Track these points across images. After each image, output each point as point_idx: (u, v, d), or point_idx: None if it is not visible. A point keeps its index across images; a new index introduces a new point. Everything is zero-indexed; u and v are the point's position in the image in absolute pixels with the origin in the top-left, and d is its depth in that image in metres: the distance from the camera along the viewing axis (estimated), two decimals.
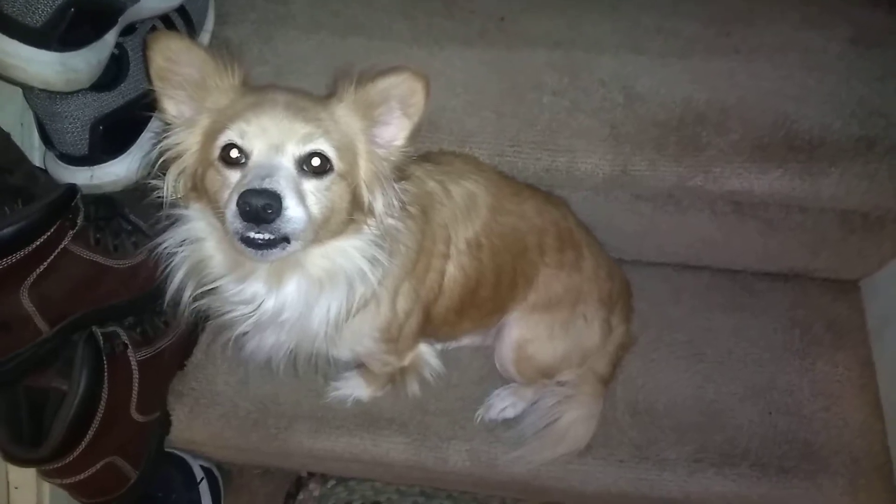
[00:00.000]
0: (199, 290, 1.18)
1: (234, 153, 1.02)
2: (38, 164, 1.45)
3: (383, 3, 1.68)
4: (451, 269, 1.33)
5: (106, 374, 1.37)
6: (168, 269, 1.20)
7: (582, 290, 1.48)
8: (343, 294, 1.14)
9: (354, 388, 1.59)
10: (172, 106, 1.09)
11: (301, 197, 1.00)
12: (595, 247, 1.53)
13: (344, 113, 1.08)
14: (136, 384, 1.45)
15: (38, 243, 1.21)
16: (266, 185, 0.96)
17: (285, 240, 1.00)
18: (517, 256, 1.41)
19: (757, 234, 1.63)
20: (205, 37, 1.62)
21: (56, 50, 1.14)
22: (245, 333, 1.24)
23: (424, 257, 1.27)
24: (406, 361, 1.50)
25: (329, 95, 1.10)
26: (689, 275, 1.78)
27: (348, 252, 1.12)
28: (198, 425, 1.62)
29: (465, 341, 1.62)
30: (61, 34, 1.13)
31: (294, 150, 1.02)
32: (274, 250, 1.01)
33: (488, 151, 1.50)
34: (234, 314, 1.19)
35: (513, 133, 1.50)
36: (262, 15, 1.67)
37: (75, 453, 1.36)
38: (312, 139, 1.02)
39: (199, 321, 1.51)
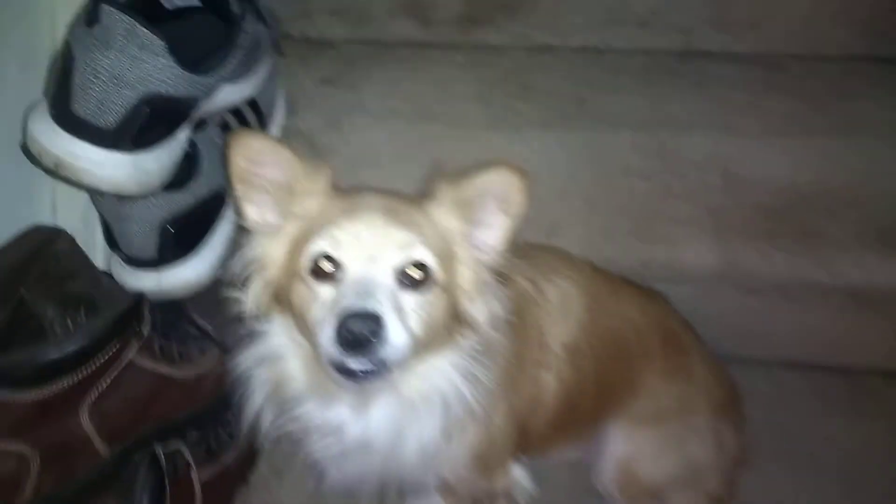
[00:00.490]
0: (280, 416, 1.07)
1: (326, 265, 0.92)
2: (101, 266, 1.38)
3: (457, 88, 1.61)
4: (549, 379, 1.20)
5: (167, 498, 1.25)
6: (245, 392, 1.09)
7: (692, 399, 1.33)
8: (439, 418, 1.02)
9: None
10: (255, 211, 1.00)
11: (402, 315, 0.90)
12: (702, 348, 1.38)
13: (441, 215, 0.99)
14: None
15: (101, 359, 1.12)
16: (367, 305, 0.86)
17: (384, 366, 0.88)
18: (620, 362, 1.27)
19: (879, 330, 1.46)
20: (274, 128, 1.56)
21: (128, 151, 1.07)
22: (326, 460, 1.11)
23: (520, 366, 1.14)
24: (496, 483, 1.35)
25: (422, 196, 1.01)
26: (799, 375, 1.60)
27: (445, 370, 1.00)
28: None
29: (555, 456, 1.46)
30: (134, 135, 1.06)
31: (392, 259, 0.92)
32: (373, 380, 0.90)
33: (578, 243, 1.38)
34: (316, 442, 1.08)
35: (603, 222, 1.39)
36: (332, 104, 1.61)
37: None
38: (412, 246, 0.92)
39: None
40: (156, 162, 1.12)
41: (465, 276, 0.99)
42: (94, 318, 1.10)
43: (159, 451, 1.25)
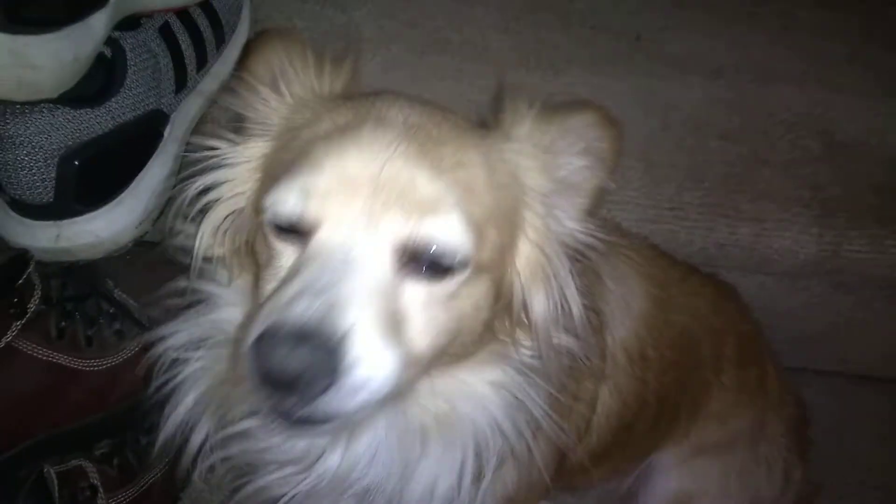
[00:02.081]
0: (221, 432, 0.75)
1: (288, 217, 0.60)
2: None
3: (476, 12, 1.27)
4: (605, 396, 0.89)
5: None
6: (170, 386, 0.78)
7: (765, 422, 1.07)
8: (462, 457, 0.69)
9: None
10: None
11: (395, 325, 0.58)
12: (774, 356, 1.10)
13: (514, 153, 0.68)
14: None
15: None
16: (312, 318, 0.53)
17: (338, 415, 0.56)
18: (687, 372, 0.99)
19: None
20: (234, 48, 1.19)
21: (5, 29, 0.70)
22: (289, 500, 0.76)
23: (571, 383, 0.81)
24: None
25: (487, 126, 0.71)
26: (870, 391, 1.36)
27: (478, 391, 0.68)
28: None
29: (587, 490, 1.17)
30: (8, 4, 0.70)
31: (397, 229, 0.59)
32: (320, 428, 0.58)
33: (636, 215, 1.08)
34: (272, 473, 0.75)
35: (671, 191, 1.09)
36: (312, 23, 1.25)
37: None
38: (438, 209, 0.60)
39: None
40: (48, 54, 0.77)
41: (528, 254, 0.68)
42: None
43: (49, 469, 0.95)
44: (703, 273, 1.07)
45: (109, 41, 0.92)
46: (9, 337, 0.87)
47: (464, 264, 0.61)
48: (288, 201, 0.60)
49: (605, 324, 0.86)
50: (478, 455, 0.70)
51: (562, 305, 0.69)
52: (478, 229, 0.61)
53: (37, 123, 0.86)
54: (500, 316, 0.68)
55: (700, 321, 0.98)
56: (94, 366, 0.99)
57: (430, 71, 1.22)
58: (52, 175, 0.90)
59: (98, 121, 0.93)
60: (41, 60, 0.75)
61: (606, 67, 1.22)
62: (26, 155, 0.87)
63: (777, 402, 1.10)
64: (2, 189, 0.93)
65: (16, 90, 0.76)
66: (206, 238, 0.73)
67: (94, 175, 0.93)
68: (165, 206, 1.08)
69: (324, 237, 0.59)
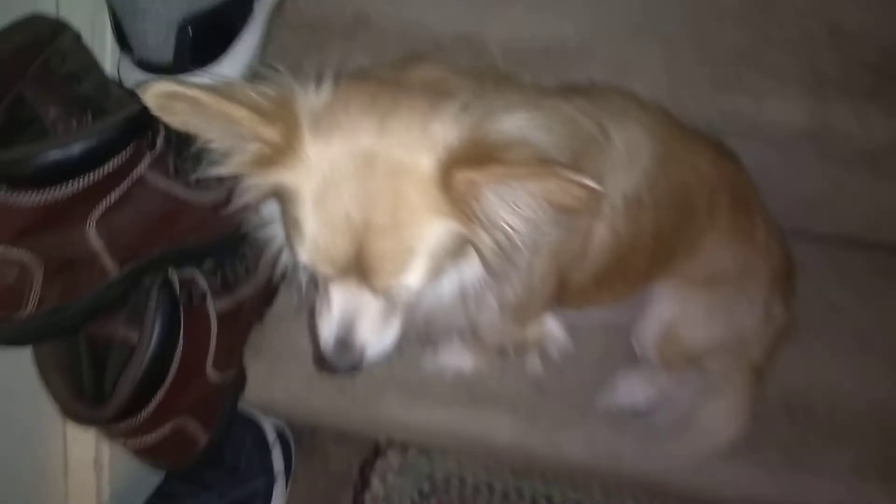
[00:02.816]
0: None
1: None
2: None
3: None
4: (602, 231, 1.08)
5: (182, 325, 1.17)
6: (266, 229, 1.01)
7: (751, 264, 1.24)
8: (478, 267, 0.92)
9: (458, 359, 1.37)
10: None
11: (389, 308, 0.88)
12: (766, 212, 1.27)
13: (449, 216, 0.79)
14: (214, 338, 1.25)
15: (110, 166, 1.00)
16: (346, 338, 0.87)
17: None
18: (683, 218, 1.16)
19: None
20: None
21: None
22: None
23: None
24: (528, 334, 1.26)
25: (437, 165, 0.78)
26: (860, 253, 1.51)
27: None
28: (277, 386, 1.43)
29: (591, 312, 1.37)
30: None
31: (379, 286, 0.84)
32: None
33: (652, 88, 1.22)
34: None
35: (686, 66, 1.23)
36: None
37: (143, 414, 1.17)
38: (404, 271, 0.82)
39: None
40: None
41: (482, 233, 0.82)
42: (102, 120, 0.97)
43: (173, 275, 1.17)
44: (710, 139, 1.23)
45: None
46: (143, 166, 1.05)
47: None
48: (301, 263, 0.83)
49: (604, 173, 1.03)
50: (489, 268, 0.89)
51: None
52: (428, 269, 0.81)
53: None
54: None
55: (698, 175, 1.14)
56: (200, 200, 1.18)
57: None
58: (172, 40, 1.10)
59: None
60: None
61: None
62: (153, 24, 1.07)
63: (764, 250, 1.25)
64: (132, 50, 1.13)
65: None
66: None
67: (204, 40, 1.13)
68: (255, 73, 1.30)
69: (335, 294, 0.86)
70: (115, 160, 1.01)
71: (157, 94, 0.76)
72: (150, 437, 1.22)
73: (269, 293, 1.43)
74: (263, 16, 1.24)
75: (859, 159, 1.27)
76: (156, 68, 1.13)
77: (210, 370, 1.27)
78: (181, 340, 1.18)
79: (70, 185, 0.95)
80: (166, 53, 1.10)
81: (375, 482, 1.68)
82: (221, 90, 0.75)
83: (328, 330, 0.88)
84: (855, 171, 1.30)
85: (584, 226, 1.06)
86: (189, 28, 1.11)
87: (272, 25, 1.30)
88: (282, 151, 0.78)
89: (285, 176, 0.79)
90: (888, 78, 1.21)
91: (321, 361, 0.92)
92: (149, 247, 1.15)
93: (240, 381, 1.41)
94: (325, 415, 1.49)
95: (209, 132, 0.80)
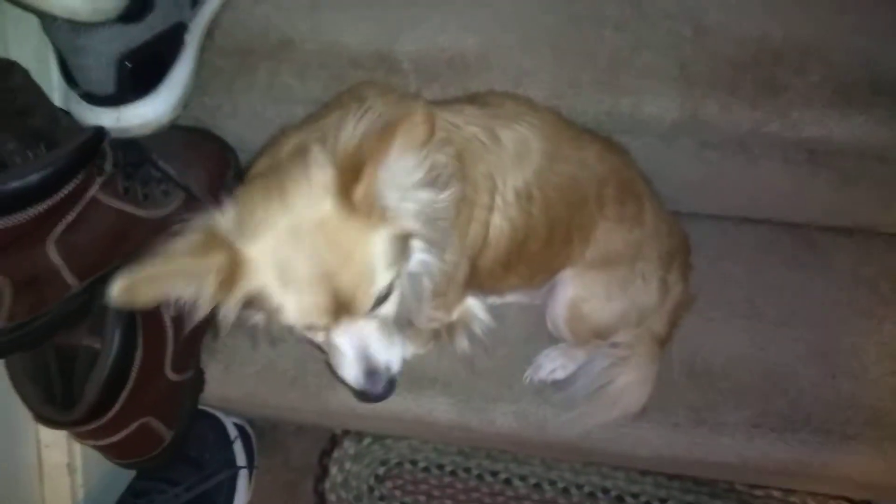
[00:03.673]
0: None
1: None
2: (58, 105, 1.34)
3: None
4: (497, 221, 1.23)
5: (140, 331, 1.29)
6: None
7: (642, 245, 1.38)
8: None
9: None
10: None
11: (385, 326, 1.05)
12: (656, 199, 1.42)
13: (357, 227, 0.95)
14: (171, 342, 1.37)
15: (65, 191, 1.11)
16: (371, 365, 1.04)
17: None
18: (574, 209, 1.30)
19: (828, 185, 1.51)
20: None
21: None
22: None
23: (466, 208, 1.16)
24: (454, 316, 1.41)
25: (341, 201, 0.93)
26: (749, 229, 1.67)
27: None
28: (233, 383, 1.56)
29: (512, 298, 1.53)
30: None
31: (362, 310, 1.00)
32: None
33: (544, 93, 1.38)
34: None
35: (572, 72, 1.38)
36: None
37: (109, 414, 1.29)
38: (370, 298, 0.99)
39: None
40: None
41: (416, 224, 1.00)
42: (55, 150, 1.09)
43: None
44: (599, 135, 1.35)
45: None
46: (94, 189, 1.15)
47: (393, 288, 1.01)
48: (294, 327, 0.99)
49: (495, 172, 1.19)
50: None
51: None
52: (389, 271, 0.98)
53: (101, 36, 1.17)
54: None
55: (585, 169, 1.27)
56: (150, 215, 1.29)
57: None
58: (113, 73, 1.22)
59: (141, 32, 1.23)
60: None
61: None
62: (94, 60, 1.18)
63: (654, 232, 1.38)
64: (77, 85, 1.25)
65: (90, 15, 1.07)
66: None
67: (141, 72, 1.25)
68: (191, 97, 1.43)
69: (338, 340, 1.03)
70: (69, 185, 1.12)
71: (120, 291, 0.87)
72: (118, 437, 1.34)
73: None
74: (195, 44, 1.37)
75: (732, 145, 1.44)
76: (100, 100, 1.26)
77: (169, 371, 1.40)
78: (140, 345, 1.30)
79: (29, 210, 1.06)
80: (108, 86, 1.23)
81: (334, 470, 1.82)
82: (161, 257, 0.91)
83: (354, 370, 1.05)
84: (730, 157, 1.46)
85: (482, 217, 1.20)
86: (127, 62, 1.23)
87: (204, 52, 1.43)
88: (232, 268, 0.93)
89: (247, 283, 0.95)
90: (745, 70, 1.37)
91: (363, 396, 1.07)
92: (105, 260, 1.26)
93: (198, 381, 1.53)
94: (280, 409, 1.61)
95: (173, 291, 0.92)
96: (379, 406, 1.48)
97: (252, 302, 0.98)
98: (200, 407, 1.59)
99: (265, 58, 1.45)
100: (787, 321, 1.57)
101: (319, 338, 1.06)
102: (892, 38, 1.41)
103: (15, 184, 1.02)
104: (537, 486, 1.77)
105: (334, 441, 1.84)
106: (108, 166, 1.20)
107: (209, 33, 1.45)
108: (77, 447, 1.51)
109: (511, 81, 1.38)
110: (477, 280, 1.31)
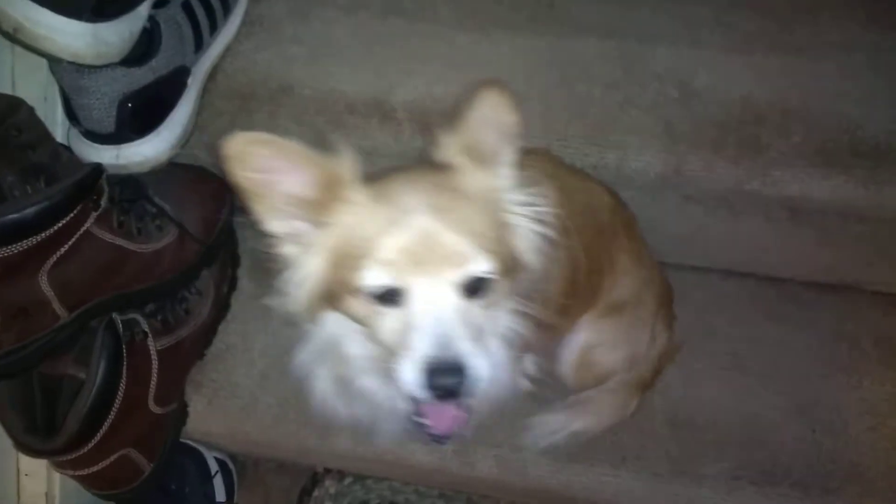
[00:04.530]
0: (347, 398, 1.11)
1: (387, 294, 0.90)
2: (61, 141, 1.38)
3: None
4: (554, 270, 1.17)
5: (125, 363, 1.31)
6: (310, 385, 1.13)
7: (643, 288, 1.40)
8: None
9: None
10: (280, 225, 0.92)
11: (478, 336, 0.91)
12: (646, 245, 1.44)
13: (474, 179, 0.93)
14: (155, 374, 1.39)
15: (59, 225, 1.14)
16: (451, 356, 0.86)
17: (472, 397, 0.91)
18: (598, 235, 1.29)
19: (811, 242, 1.55)
20: (237, 15, 1.54)
21: (88, 20, 1.08)
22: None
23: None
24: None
25: (445, 167, 0.95)
26: (734, 282, 1.69)
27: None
28: (216, 418, 1.56)
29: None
30: (94, 4, 1.06)
31: (453, 276, 0.89)
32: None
33: (534, 145, 1.40)
34: (383, 413, 1.13)
35: (561, 126, 1.42)
36: None
37: (90, 445, 1.30)
38: (469, 258, 0.89)
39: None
40: (115, 33, 1.12)
41: (518, 231, 0.97)
42: (53, 185, 1.12)
43: (116, 318, 1.31)
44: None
45: (149, 17, 1.24)
46: (89, 223, 1.18)
47: (493, 281, 0.92)
48: (382, 280, 0.88)
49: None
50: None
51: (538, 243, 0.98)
52: (491, 254, 0.90)
53: (104, 78, 1.22)
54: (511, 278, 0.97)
55: (595, 197, 1.30)
56: (143, 249, 1.33)
57: (388, 33, 1.55)
58: (114, 113, 1.26)
59: (143, 75, 1.27)
60: (112, 39, 1.10)
61: (526, 29, 1.55)
62: (96, 100, 1.23)
63: (650, 275, 1.40)
64: (79, 122, 1.29)
65: (94, 59, 1.11)
66: (299, 304, 0.98)
67: (142, 113, 1.29)
68: (190, 136, 1.47)
69: (419, 301, 0.88)
70: (65, 219, 1.15)
71: (241, 142, 0.84)
72: (97, 467, 1.35)
73: (208, 332, 1.57)
74: (196, 87, 1.42)
75: (715, 201, 1.48)
76: (100, 138, 1.30)
77: (152, 404, 1.41)
78: (124, 377, 1.32)
79: (24, 242, 1.09)
80: (109, 125, 1.27)
81: None
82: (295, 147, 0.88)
83: (424, 343, 0.87)
84: (713, 211, 1.50)
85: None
86: (129, 103, 1.27)
87: (206, 93, 1.48)
88: (343, 192, 0.90)
89: (347, 211, 0.91)
90: (729, 130, 1.42)
91: (428, 385, 0.87)
92: (95, 293, 1.28)
93: (181, 414, 1.54)
94: (262, 445, 1.62)
95: (282, 174, 0.88)
96: (360, 446, 1.52)
97: (336, 246, 0.91)
98: (182, 440, 1.59)
99: (265, 102, 1.50)
100: (769, 375, 1.58)
101: (386, 315, 0.91)
102: (871, 103, 1.45)
103: (12, 216, 1.05)
104: None
105: (315, 479, 1.83)
106: (104, 201, 1.23)
107: (211, 77, 1.50)
108: (56, 477, 1.51)
109: None
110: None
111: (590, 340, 1.40)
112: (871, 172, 1.40)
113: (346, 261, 0.91)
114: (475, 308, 0.92)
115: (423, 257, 0.88)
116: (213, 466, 1.68)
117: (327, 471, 1.82)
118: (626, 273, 1.37)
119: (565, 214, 1.15)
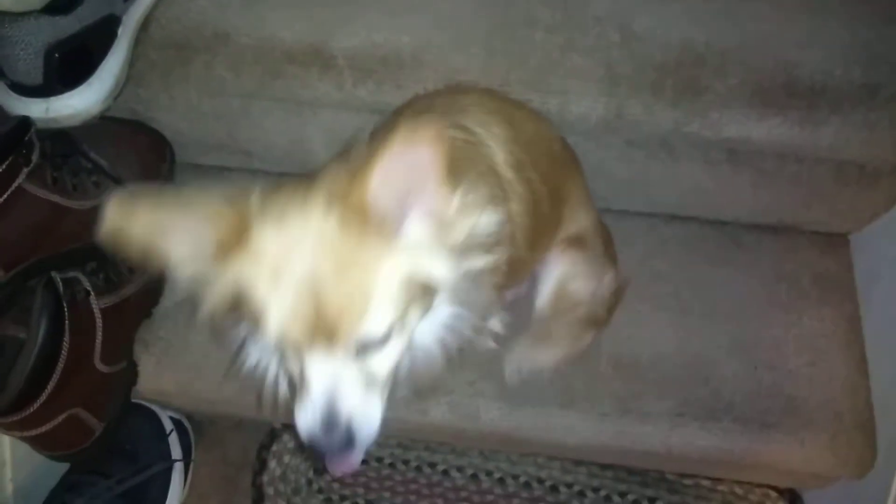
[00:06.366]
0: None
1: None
2: None
3: None
4: (514, 206, 1.15)
5: (67, 322, 1.30)
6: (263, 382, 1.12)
7: (596, 226, 1.43)
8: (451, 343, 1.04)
9: None
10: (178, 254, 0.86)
11: (372, 382, 0.89)
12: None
13: (370, 246, 0.84)
14: (100, 333, 1.38)
15: None
16: (339, 420, 0.87)
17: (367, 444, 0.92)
18: (553, 162, 1.29)
19: (749, 184, 1.58)
20: None
21: None
22: None
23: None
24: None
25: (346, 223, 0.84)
26: (677, 226, 1.72)
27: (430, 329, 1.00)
28: (167, 376, 1.56)
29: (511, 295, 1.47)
30: None
31: (347, 344, 0.86)
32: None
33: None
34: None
35: (502, 72, 1.42)
36: None
37: (35, 405, 1.29)
38: (361, 325, 0.85)
39: None
40: None
41: (430, 264, 0.89)
42: None
43: (56, 277, 1.29)
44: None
45: None
46: (20, 179, 1.16)
47: (389, 335, 0.87)
48: (277, 350, 0.91)
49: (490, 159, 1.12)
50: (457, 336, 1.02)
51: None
52: (388, 311, 0.85)
53: (27, 26, 1.17)
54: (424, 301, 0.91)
55: (542, 124, 1.30)
56: (80, 206, 1.31)
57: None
58: (40, 64, 1.21)
59: (70, 23, 1.23)
60: None
61: None
62: (21, 50, 1.18)
63: (597, 217, 1.44)
64: (4, 75, 1.24)
65: (13, 4, 1.08)
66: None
67: (71, 63, 1.25)
68: (123, 88, 1.43)
69: (310, 368, 0.87)
70: None
71: (117, 208, 0.80)
72: (45, 428, 1.34)
73: (154, 290, 1.56)
74: (128, 37, 1.37)
75: (655, 144, 1.49)
76: (28, 90, 1.26)
77: (98, 363, 1.40)
78: (67, 336, 1.30)
79: None
80: (36, 77, 1.23)
81: (272, 464, 1.82)
82: (177, 195, 0.84)
83: (309, 412, 0.88)
84: (654, 155, 1.51)
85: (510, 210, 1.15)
86: (56, 53, 1.23)
87: (139, 44, 1.44)
88: (238, 243, 0.84)
89: (242, 267, 0.84)
90: (668, 73, 1.42)
91: (311, 445, 0.90)
92: (32, 251, 1.26)
93: (131, 373, 1.53)
94: (216, 402, 1.62)
95: (170, 235, 0.83)
96: None
97: (236, 296, 0.87)
98: (135, 400, 1.59)
99: (200, 51, 1.46)
100: (711, 315, 1.62)
101: (293, 366, 0.92)
102: (807, 44, 1.47)
103: None
104: (474, 476, 1.80)
105: (273, 435, 1.84)
106: (35, 156, 1.20)
107: (144, 26, 1.46)
108: (7, 441, 1.49)
109: (443, 79, 1.41)
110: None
111: (565, 272, 1.40)
112: (806, 113, 1.43)
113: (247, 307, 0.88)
114: (372, 358, 0.89)
115: (310, 327, 0.84)
116: (168, 425, 1.68)
117: (285, 426, 1.83)
118: (580, 205, 1.39)
119: (518, 148, 1.15)
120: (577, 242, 1.40)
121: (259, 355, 1.09)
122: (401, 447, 1.83)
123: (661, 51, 1.45)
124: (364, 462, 0.93)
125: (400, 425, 1.60)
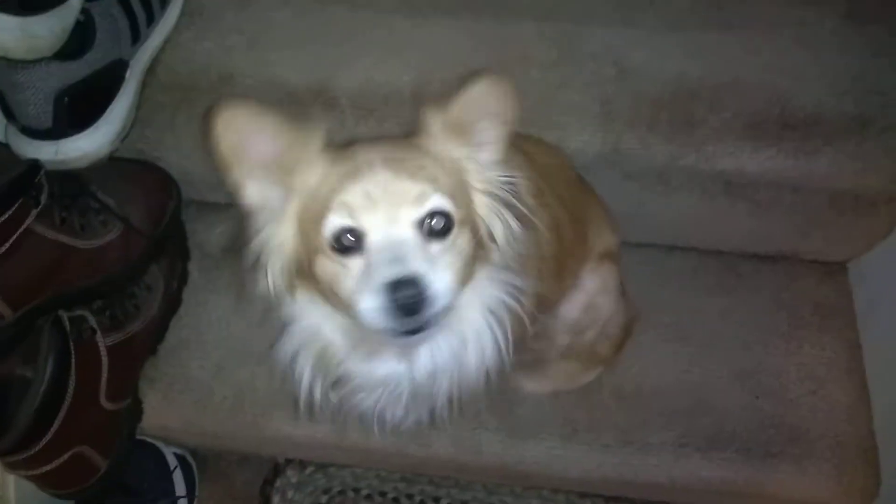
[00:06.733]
0: (328, 382, 1.11)
1: (347, 239, 0.90)
2: None
3: None
4: (540, 236, 1.16)
5: (73, 360, 1.31)
6: (294, 374, 1.12)
7: (615, 245, 1.44)
8: (492, 336, 1.06)
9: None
10: (256, 191, 0.95)
11: (436, 266, 0.90)
12: None
13: (443, 146, 0.96)
14: (106, 370, 1.39)
15: None
16: (406, 270, 0.86)
17: (435, 318, 0.91)
18: (572, 188, 1.33)
19: (746, 215, 1.59)
20: (175, 6, 1.53)
21: (16, 14, 1.06)
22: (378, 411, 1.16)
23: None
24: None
25: (415, 131, 0.98)
26: (677, 256, 1.74)
27: (483, 296, 1.04)
28: (171, 412, 1.56)
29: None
30: None
31: (410, 214, 0.90)
32: (426, 334, 0.93)
33: None
34: (366, 397, 1.13)
35: None
36: None
37: (41, 444, 1.30)
38: (426, 197, 0.91)
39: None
40: (45, 27, 1.11)
41: (481, 201, 0.99)
42: None
43: (63, 315, 1.30)
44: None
45: (82, 11, 1.23)
46: (29, 220, 1.18)
47: (455, 222, 0.92)
48: (341, 223, 0.90)
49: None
50: (501, 325, 1.05)
51: (508, 223, 0.99)
52: (450, 199, 0.91)
53: (38, 73, 1.20)
54: (479, 247, 0.98)
55: (554, 157, 1.32)
56: (88, 245, 1.32)
57: (328, 19, 1.56)
58: (50, 108, 1.25)
59: (80, 68, 1.27)
60: (42, 33, 1.09)
61: (464, 14, 1.56)
62: (32, 95, 1.22)
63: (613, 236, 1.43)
64: (16, 119, 1.28)
65: (25, 54, 1.11)
66: (276, 280, 0.99)
67: (80, 107, 1.28)
68: (131, 130, 1.47)
69: (376, 236, 0.89)
70: (3, 217, 1.15)
71: (229, 111, 0.90)
72: (50, 466, 1.34)
73: (159, 328, 1.57)
74: (135, 80, 1.41)
75: (651, 177, 1.51)
76: (38, 134, 1.29)
77: (104, 400, 1.40)
78: (73, 374, 1.31)
79: None
80: (46, 121, 1.26)
81: (276, 499, 1.82)
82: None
83: (382, 271, 0.87)
84: (650, 188, 1.53)
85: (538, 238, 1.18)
86: (65, 97, 1.26)
87: (146, 87, 1.48)
88: (302, 159, 0.94)
89: (306, 175, 0.94)
90: (663, 107, 1.45)
91: (385, 307, 0.86)
92: (41, 292, 1.27)
93: (136, 410, 1.54)
94: (220, 437, 1.62)
95: (248, 149, 0.92)
96: (318, 433, 1.54)
97: (302, 209, 0.94)
98: (139, 437, 1.59)
99: (206, 92, 1.49)
100: (712, 344, 1.63)
101: (349, 267, 0.91)
102: (799, 76, 1.50)
103: None
104: None
105: (277, 470, 1.84)
106: (43, 198, 1.22)
107: (151, 69, 1.49)
108: (11, 478, 1.49)
109: None
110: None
111: (596, 285, 1.41)
112: (800, 144, 1.45)
113: (311, 223, 0.93)
114: (434, 245, 0.92)
115: (380, 199, 0.90)
116: (172, 462, 1.69)
117: (289, 461, 1.84)
118: (604, 225, 1.41)
119: (535, 175, 1.17)
120: (608, 257, 1.41)
121: (296, 347, 1.09)
122: (404, 481, 1.82)
123: (656, 85, 1.48)
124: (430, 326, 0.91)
125: (404, 459, 1.60)
